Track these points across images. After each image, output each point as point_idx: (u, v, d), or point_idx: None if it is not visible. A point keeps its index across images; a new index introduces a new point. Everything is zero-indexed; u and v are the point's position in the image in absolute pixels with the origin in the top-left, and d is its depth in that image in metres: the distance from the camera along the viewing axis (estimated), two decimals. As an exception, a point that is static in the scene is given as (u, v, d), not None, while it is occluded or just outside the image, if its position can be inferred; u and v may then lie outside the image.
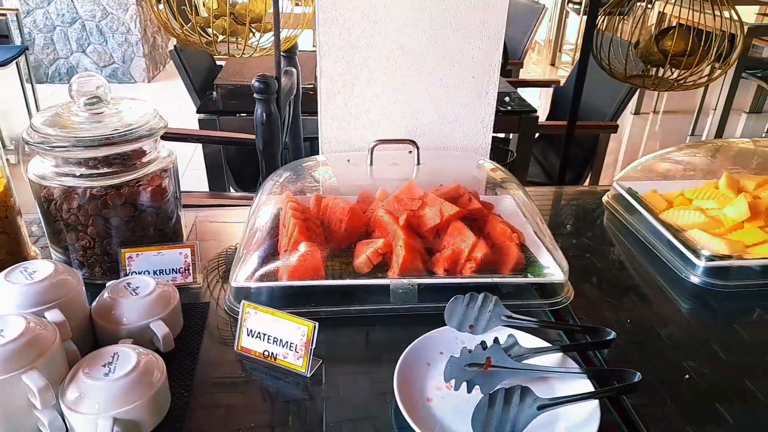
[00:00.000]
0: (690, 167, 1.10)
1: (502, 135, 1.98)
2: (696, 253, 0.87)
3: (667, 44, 1.21)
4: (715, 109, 3.75)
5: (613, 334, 0.72)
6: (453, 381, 0.64)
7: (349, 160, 1.04)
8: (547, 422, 0.61)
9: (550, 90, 2.50)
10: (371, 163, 0.94)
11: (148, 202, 0.82)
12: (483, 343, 0.65)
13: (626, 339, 0.77)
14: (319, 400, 0.65)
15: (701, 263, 0.86)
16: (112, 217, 0.79)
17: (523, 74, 2.82)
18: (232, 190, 1.97)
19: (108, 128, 0.76)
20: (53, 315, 0.61)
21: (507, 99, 1.75)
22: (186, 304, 0.79)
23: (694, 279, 0.87)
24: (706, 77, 1.27)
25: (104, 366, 0.58)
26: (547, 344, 0.71)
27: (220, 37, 1.09)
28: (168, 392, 0.63)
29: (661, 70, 1.24)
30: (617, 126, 1.93)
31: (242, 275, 0.78)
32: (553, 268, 0.84)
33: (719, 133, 3.56)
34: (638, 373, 0.64)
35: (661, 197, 1.03)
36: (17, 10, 4.26)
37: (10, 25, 4.32)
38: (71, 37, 4.77)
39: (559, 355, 0.70)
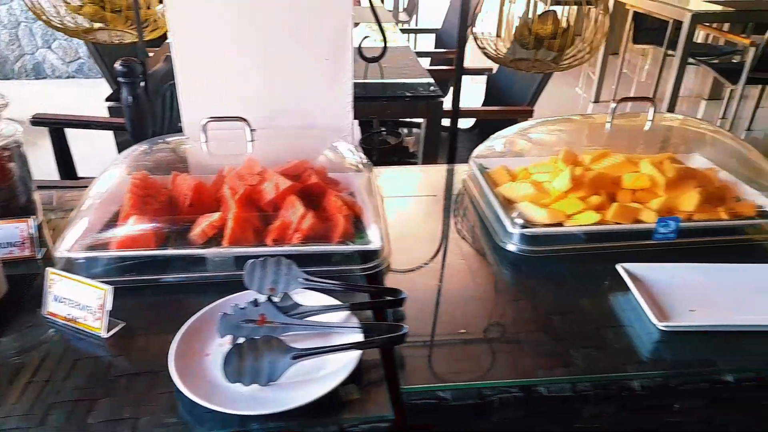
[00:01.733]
0: (544, 143, 1.14)
1: (420, 120, 2.02)
2: (512, 222, 0.92)
3: (537, 28, 1.26)
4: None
5: (404, 295, 0.78)
6: (230, 336, 0.69)
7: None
8: (313, 369, 0.66)
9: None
10: (206, 140, 0.98)
11: (-15, 180, 0.86)
12: (255, 300, 0.70)
13: (429, 301, 0.82)
14: (109, 357, 0.70)
15: (515, 231, 0.91)
16: (-56, 193, 0.83)
17: (473, 63, 2.85)
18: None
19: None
20: None
21: (419, 87, 1.79)
22: (23, 274, 0.83)
23: (511, 247, 0.92)
24: (578, 59, 1.31)
25: None
26: (336, 303, 0.75)
27: (96, 25, 1.13)
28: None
29: (537, 53, 1.29)
30: (532, 111, 1.98)
31: (66, 245, 0.83)
32: (374, 238, 0.89)
33: (668, 120, 3.61)
34: (405, 327, 0.69)
35: (507, 172, 1.07)
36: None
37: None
38: (36, 33, 4.78)
39: (348, 313, 0.75)
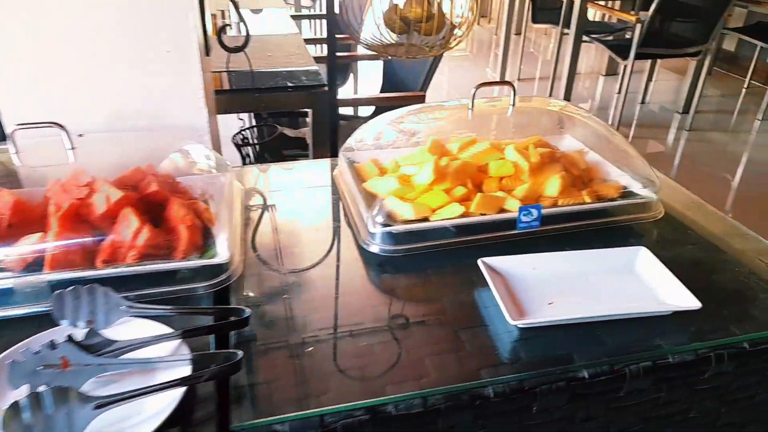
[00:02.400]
0: (414, 132, 1.09)
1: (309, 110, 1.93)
2: (373, 220, 0.86)
3: (405, 11, 1.21)
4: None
5: (247, 313, 0.70)
6: (26, 387, 0.58)
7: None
8: (127, 416, 0.57)
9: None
10: (16, 151, 0.86)
11: None
12: (52, 342, 0.60)
13: (280, 317, 0.75)
14: None
15: (377, 230, 0.86)
16: None
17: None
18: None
19: None
20: None
21: (303, 76, 1.70)
22: None
23: (374, 248, 0.86)
24: (447, 43, 1.27)
25: None
26: (163, 332, 0.67)
27: None
28: None
29: (409, 38, 1.24)
30: (424, 95, 1.94)
31: None
32: (221, 250, 0.80)
33: (566, 97, 3.72)
34: (239, 354, 0.62)
35: (376, 166, 1.01)
36: None
37: None
38: None
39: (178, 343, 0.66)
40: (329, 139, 1.48)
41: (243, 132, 1.45)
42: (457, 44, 1.32)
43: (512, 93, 1.02)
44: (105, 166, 0.87)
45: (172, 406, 0.58)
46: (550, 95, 4.28)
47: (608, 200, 0.94)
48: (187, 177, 0.93)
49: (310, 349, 0.69)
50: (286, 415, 0.60)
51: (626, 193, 0.95)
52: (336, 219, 0.98)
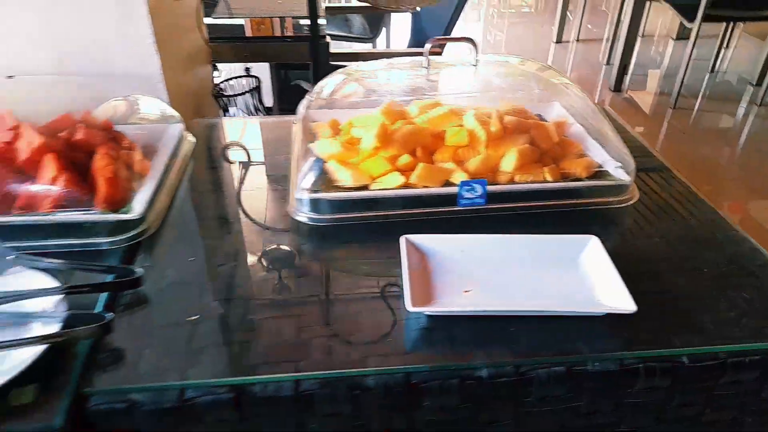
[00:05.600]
0: (380, 90, 1.00)
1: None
2: (299, 187, 0.80)
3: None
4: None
5: (138, 272, 0.67)
6: None
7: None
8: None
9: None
10: None
11: None
12: None
13: (182, 279, 0.72)
14: None
15: (303, 196, 0.80)
16: None
17: None
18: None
19: None
20: None
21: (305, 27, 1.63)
22: None
23: (301, 217, 0.80)
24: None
25: None
26: (46, 286, 0.65)
27: None
28: None
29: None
30: (439, 51, 1.82)
31: None
32: (138, 204, 0.77)
33: (624, 61, 3.43)
34: (109, 315, 0.60)
35: (331, 127, 0.94)
36: None
37: None
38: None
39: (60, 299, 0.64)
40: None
41: (219, 84, 1.41)
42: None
43: (473, 50, 0.91)
44: (40, 112, 0.85)
45: (28, 362, 0.56)
46: (609, 58, 3.98)
47: (572, 180, 0.83)
48: (128, 126, 0.90)
49: (195, 317, 0.65)
50: (144, 385, 0.57)
51: (596, 173, 0.84)
52: (279, 182, 0.93)
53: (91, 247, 0.75)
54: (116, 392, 0.57)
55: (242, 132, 1.11)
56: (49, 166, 0.79)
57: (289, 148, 1.00)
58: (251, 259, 0.76)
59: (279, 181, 0.93)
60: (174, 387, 0.57)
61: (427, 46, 0.90)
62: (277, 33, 1.60)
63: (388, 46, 2.91)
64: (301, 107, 0.99)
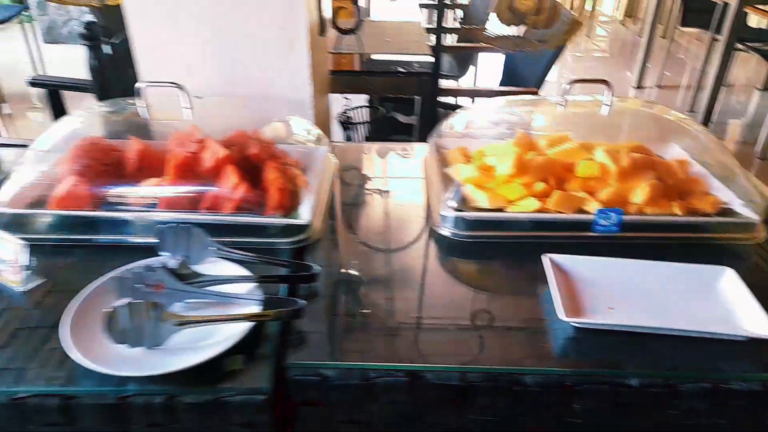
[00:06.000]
0: (507, 123, 1.09)
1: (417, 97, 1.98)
2: (446, 204, 0.89)
3: (516, 3, 1.20)
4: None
5: (316, 269, 0.77)
6: (126, 300, 0.70)
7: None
8: (202, 337, 0.67)
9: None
10: (145, 106, 0.99)
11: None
12: (148, 266, 0.71)
13: (347, 281, 0.81)
14: (24, 311, 0.73)
15: (449, 214, 0.88)
16: None
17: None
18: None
19: None
20: None
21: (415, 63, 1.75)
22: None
23: (445, 231, 0.89)
24: (558, 38, 1.24)
25: None
26: (242, 274, 0.76)
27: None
28: None
29: (518, 30, 1.23)
30: (536, 92, 1.90)
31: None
32: (304, 213, 0.88)
33: (709, 109, 3.41)
34: (302, 302, 0.69)
35: (462, 154, 1.04)
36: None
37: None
38: (83, -2, 4.93)
39: (255, 286, 0.75)
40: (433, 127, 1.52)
41: (347, 112, 1.53)
42: (568, 40, 1.29)
43: (609, 92, 0.98)
44: (216, 126, 0.99)
45: (240, 335, 0.66)
46: (692, 106, 3.95)
47: (701, 215, 0.88)
48: (286, 145, 1.02)
49: (366, 311, 0.74)
50: (336, 363, 0.66)
51: (724, 211, 0.89)
52: (418, 201, 1.02)
53: (265, 245, 0.85)
54: (311, 367, 0.66)
55: (371, 154, 1.22)
56: (231, 176, 0.91)
57: (418, 170, 1.10)
58: (403, 264, 0.85)
59: (416, 198, 1.02)
60: (358, 367, 0.66)
61: (566, 86, 0.99)
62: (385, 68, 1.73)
63: (474, 83, 3.03)
64: (434, 136, 1.09)
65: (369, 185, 1.08)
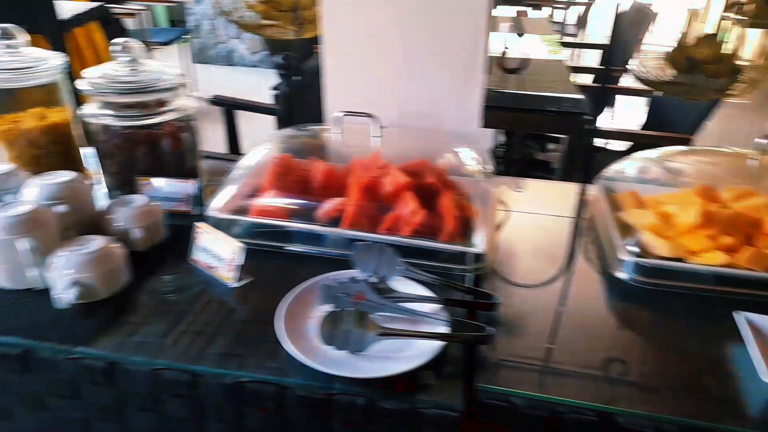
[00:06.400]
0: (683, 173, 1.07)
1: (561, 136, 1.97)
2: (626, 249, 0.89)
3: (693, 51, 1.17)
4: None
5: (497, 299, 0.80)
6: (330, 305, 0.77)
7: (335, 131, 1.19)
8: (398, 349, 0.72)
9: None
10: (341, 132, 1.08)
11: (165, 144, 1.04)
12: (353, 278, 0.77)
13: (523, 312, 0.83)
14: (234, 304, 0.82)
15: (629, 259, 0.88)
16: (135, 151, 1.02)
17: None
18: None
19: (138, 81, 1.00)
20: (59, 207, 0.85)
21: (564, 102, 1.76)
22: (180, 225, 1.00)
23: (622, 275, 0.89)
24: (743, 87, 1.19)
25: (79, 246, 0.80)
26: (430, 295, 0.80)
27: (266, 22, 1.30)
28: (124, 274, 0.84)
29: (693, 78, 1.20)
30: (689, 139, 1.83)
31: (215, 205, 0.97)
32: (479, 242, 0.92)
33: None
34: (492, 329, 0.72)
35: (635, 199, 1.03)
36: (187, -1, 5.00)
37: (184, 12, 5.12)
38: (232, 25, 5.43)
39: (439, 307, 0.79)
40: (583, 166, 1.51)
41: (513, 146, 1.57)
42: (748, 91, 1.25)
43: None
44: (391, 154, 1.06)
45: (433, 353, 0.70)
46: None
47: None
48: (457, 175, 1.07)
49: (551, 346, 0.76)
50: (525, 392, 0.68)
51: None
52: (581, 241, 1.02)
53: (437, 269, 0.90)
54: (501, 393, 0.68)
55: (524, 189, 1.24)
56: (410, 201, 0.97)
57: (579, 211, 1.10)
58: (578, 304, 0.85)
59: (580, 239, 1.03)
60: (549, 400, 0.67)
61: (761, 140, 0.96)
62: (536, 106, 1.75)
63: (611, 124, 2.96)
64: (602, 178, 1.09)
65: (528, 220, 1.10)
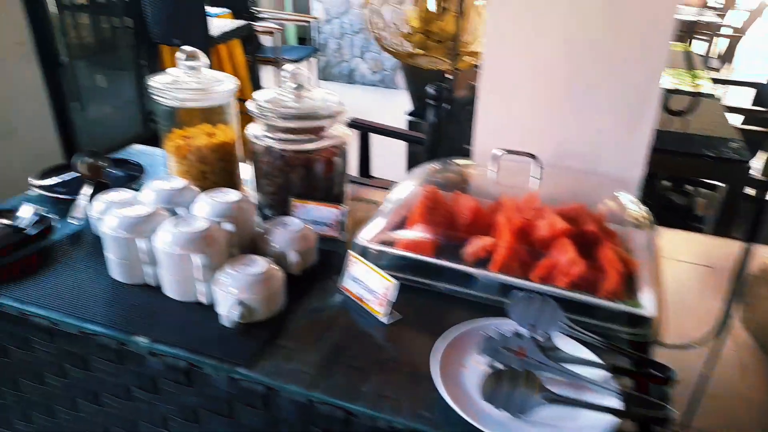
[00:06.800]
0: None
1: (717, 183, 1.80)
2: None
3: None
4: None
5: (674, 373, 0.72)
6: (487, 358, 0.73)
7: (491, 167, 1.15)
8: (561, 418, 0.66)
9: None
10: (497, 170, 1.04)
11: (320, 169, 1.07)
12: (518, 333, 0.73)
13: (693, 387, 0.74)
14: (382, 340, 0.81)
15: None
16: (291, 174, 1.06)
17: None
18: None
19: (301, 108, 1.03)
20: (228, 226, 0.89)
21: (727, 146, 1.61)
22: (327, 249, 1.01)
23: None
24: None
25: (245, 266, 0.83)
26: (596, 359, 0.74)
27: (418, 51, 1.30)
28: (281, 297, 0.86)
29: None
30: None
31: (364, 236, 0.97)
32: (647, 303, 0.84)
33: None
34: (672, 411, 0.65)
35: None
36: (318, 18, 5.25)
37: (310, 31, 5.38)
38: (355, 44, 5.63)
39: (604, 374, 0.73)
40: (739, 218, 1.36)
41: (653, 189, 1.45)
42: None
43: None
44: (545, 195, 1.00)
45: (604, 428, 0.64)
46: None
47: None
48: (617, 224, 1.00)
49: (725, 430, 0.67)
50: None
51: None
52: (757, 308, 0.91)
53: (594, 328, 0.83)
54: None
55: (690, 243, 1.13)
56: (568, 249, 0.91)
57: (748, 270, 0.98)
58: (757, 383, 0.75)
59: (757, 306, 0.91)
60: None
61: None
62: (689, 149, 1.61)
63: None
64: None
65: (694, 278, 1.00)
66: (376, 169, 1.95)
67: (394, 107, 4.99)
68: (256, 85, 3.77)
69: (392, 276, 0.85)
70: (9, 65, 2.28)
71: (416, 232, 0.98)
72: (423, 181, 1.10)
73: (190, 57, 1.06)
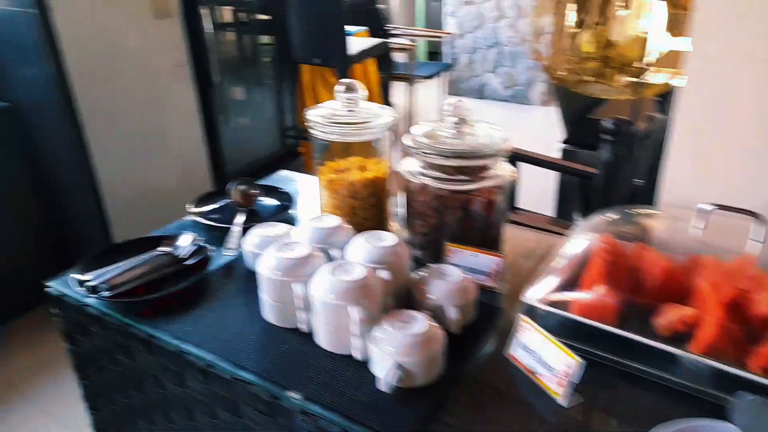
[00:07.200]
0: None
1: None
2: None
3: None
4: None
5: None
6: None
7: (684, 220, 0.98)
8: None
9: None
10: (704, 227, 0.87)
11: (479, 211, 0.97)
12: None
13: None
14: (563, 426, 0.69)
15: None
16: (447, 215, 0.97)
17: None
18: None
19: (464, 145, 0.94)
20: (384, 273, 0.82)
21: None
22: (485, 302, 0.91)
23: None
24: None
25: (403, 323, 0.75)
26: None
27: (588, 78, 1.16)
28: (442, 361, 0.76)
29: None
30: None
31: (533, 294, 0.85)
32: None
33: None
34: None
35: None
36: (452, 34, 5.19)
37: (441, 46, 5.34)
38: (487, 59, 5.48)
39: None
40: None
41: None
42: None
43: None
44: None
45: None
46: None
47: None
48: None
49: None
50: None
51: None
52: None
53: None
54: None
55: None
56: (801, 333, 0.72)
57: None
58: None
59: None
60: None
61: None
62: None
63: None
64: None
65: None
66: (521, 200, 1.81)
67: (526, 124, 4.77)
68: (386, 102, 3.78)
69: (569, 347, 0.72)
70: (168, 86, 2.44)
71: (595, 294, 0.84)
72: (599, 232, 0.96)
73: (348, 89, 1.02)
